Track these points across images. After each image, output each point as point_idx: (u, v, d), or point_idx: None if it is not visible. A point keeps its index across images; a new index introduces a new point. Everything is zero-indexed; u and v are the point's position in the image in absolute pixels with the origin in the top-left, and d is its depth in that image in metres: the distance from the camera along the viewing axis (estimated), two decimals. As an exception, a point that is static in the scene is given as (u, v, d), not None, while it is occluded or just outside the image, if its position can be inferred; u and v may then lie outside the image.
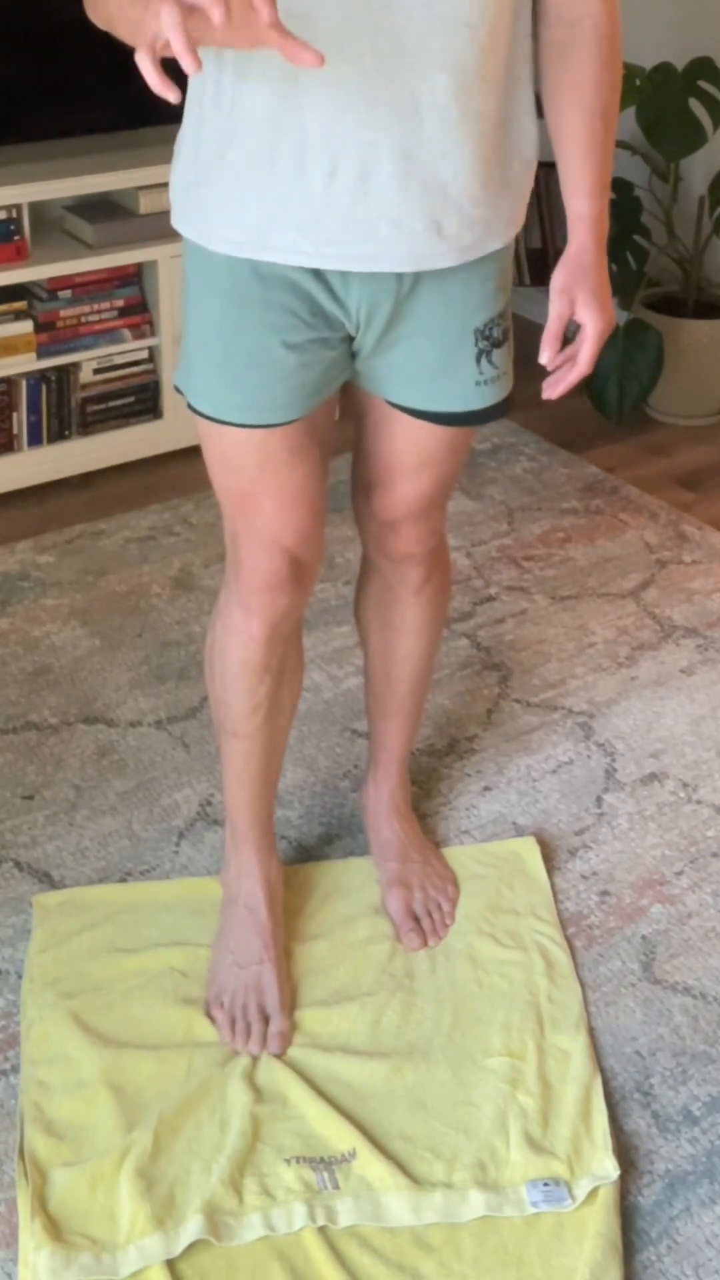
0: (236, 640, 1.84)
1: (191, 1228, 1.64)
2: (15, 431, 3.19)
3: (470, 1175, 1.72)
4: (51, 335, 3.16)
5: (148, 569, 2.99)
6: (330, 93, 1.46)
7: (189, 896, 2.13)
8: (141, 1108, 1.79)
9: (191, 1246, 1.64)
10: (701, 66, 3.39)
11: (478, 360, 1.70)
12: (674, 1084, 1.87)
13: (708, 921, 2.13)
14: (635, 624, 2.84)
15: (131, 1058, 1.86)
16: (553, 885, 2.18)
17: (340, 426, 1.88)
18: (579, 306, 1.60)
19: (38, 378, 3.18)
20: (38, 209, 3.19)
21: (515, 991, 1.98)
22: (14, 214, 3.04)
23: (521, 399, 1.89)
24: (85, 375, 3.24)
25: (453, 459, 1.83)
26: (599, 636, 2.80)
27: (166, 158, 1.66)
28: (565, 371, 1.63)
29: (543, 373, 1.64)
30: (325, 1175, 1.72)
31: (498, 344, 1.71)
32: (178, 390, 1.74)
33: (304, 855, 2.24)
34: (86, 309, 3.19)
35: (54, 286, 3.14)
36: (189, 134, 1.61)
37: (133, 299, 3.25)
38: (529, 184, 1.66)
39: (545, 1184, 1.71)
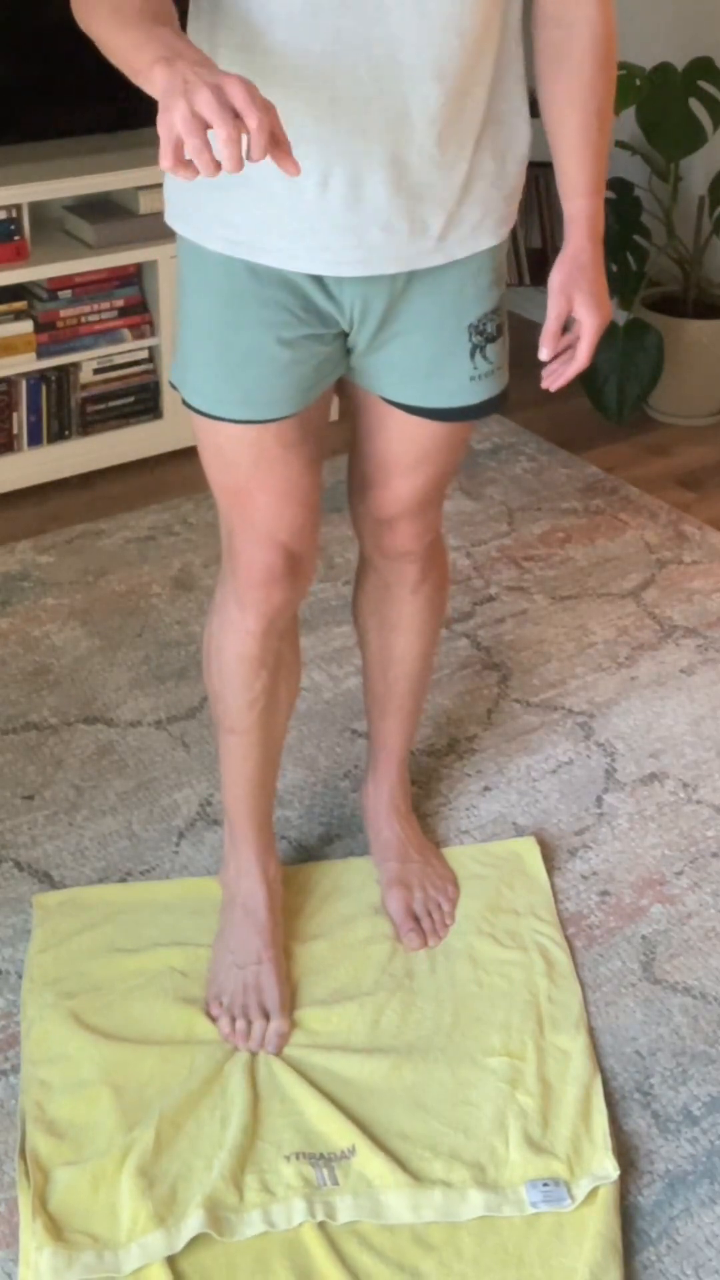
0: (233, 635, 1.84)
1: (193, 1223, 1.64)
2: (15, 431, 3.19)
3: (469, 1174, 1.72)
4: (51, 335, 3.16)
5: (148, 569, 2.99)
6: (323, 102, 1.46)
7: (189, 896, 2.13)
8: (143, 1106, 1.79)
9: (192, 1244, 1.64)
10: (701, 66, 3.39)
11: (472, 355, 1.71)
12: (674, 1084, 1.87)
13: (708, 921, 2.13)
14: (635, 624, 2.84)
15: (133, 1056, 1.86)
16: (553, 885, 2.18)
17: (339, 426, 1.88)
18: (577, 305, 1.61)
19: (38, 378, 3.18)
20: (38, 209, 3.19)
21: (515, 991, 1.98)
22: (14, 214, 3.04)
23: (521, 399, 1.89)
24: (85, 375, 3.25)
25: (449, 455, 1.83)
26: (599, 636, 2.80)
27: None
28: (564, 364, 1.65)
29: (542, 370, 1.67)
30: (325, 1172, 1.72)
31: (492, 339, 1.72)
32: (173, 387, 1.74)
33: (304, 855, 2.24)
34: (86, 309, 3.19)
35: (54, 286, 3.14)
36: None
37: (133, 299, 3.25)
38: (521, 183, 1.67)
39: (545, 1184, 1.71)
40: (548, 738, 2.52)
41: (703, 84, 3.41)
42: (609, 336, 3.46)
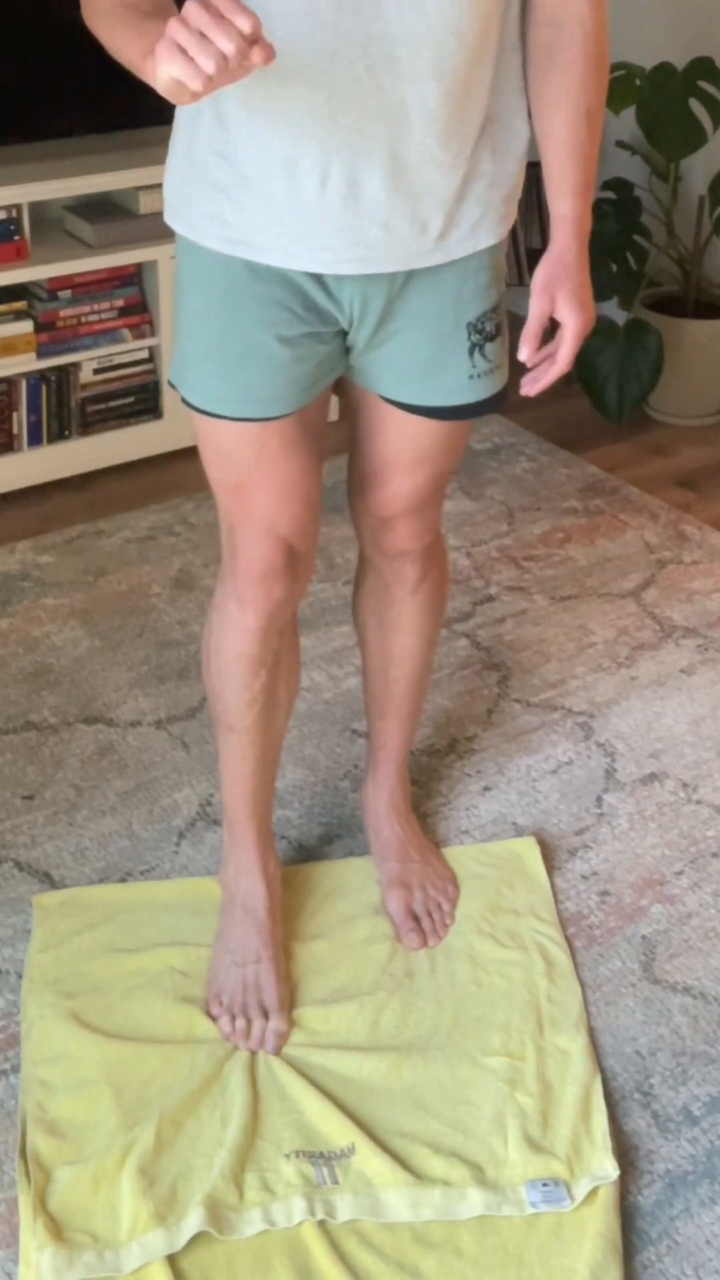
0: (232, 633, 1.85)
1: (193, 1222, 1.64)
2: (15, 431, 3.19)
3: (469, 1173, 1.72)
4: (51, 335, 3.16)
5: (148, 569, 2.99)
6: (322, 101, 1.46)
7: (189, 896, 2.13)
8: (143, 1105, 1.79)
9: (193, 1244, 1.64)
10: (701, 66, 3.39)
11: (471, 354, 1.71)
12: (674, 1084, 1.87)
13: (708, 921, 2.13)
14: (635, 624, 2.84)
15: (133, 1056, 1.86)
16: (553, 885, 2.18)
17: (339, 426, 1.88)
18: (559, 305, 1.61)
19: (38, 378, 3.18)
20: (38, 209, 3.19)
21: (515, 991, 1.98)
22: (14, 214, 3.04)
23: (520, 398, 1.90)
24: (85, 375, 3.25)
25: (448, 454, 1.83)
26: (599, 636, 2.80)
27: (166, 158, 1.67)
28: (545, 369, 1.64)
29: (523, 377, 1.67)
30: (324, 1170, 1.72)
31: (490, 337, 1.72)
32: (172, 386, 1.74)
33: (304, 855, 2.24)
34: (86, 309, 3.19)
35: (54, 286, 3.14)
36: (183, 132, 1.62)
37: (132, 299, 3.25)
38: (520, 183, 1.67)
39: (544, 1184, 1.71)
40: (548, 738, 2.52)
41: (703, 84, 3.41)
42: (609, 336, 3.46)
